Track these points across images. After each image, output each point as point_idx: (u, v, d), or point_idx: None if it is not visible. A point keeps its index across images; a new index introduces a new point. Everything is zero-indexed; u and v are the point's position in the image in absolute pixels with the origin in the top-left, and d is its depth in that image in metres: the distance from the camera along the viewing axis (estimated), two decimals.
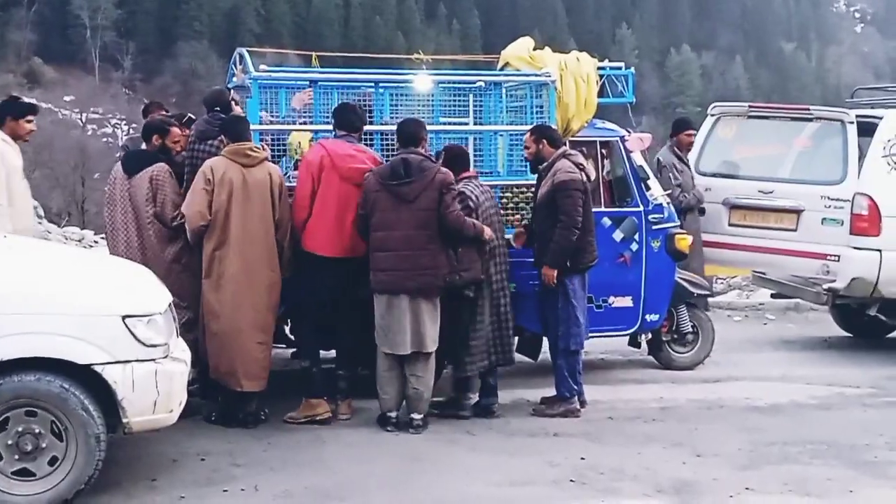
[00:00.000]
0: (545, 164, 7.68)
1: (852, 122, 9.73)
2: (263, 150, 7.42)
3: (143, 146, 7.89)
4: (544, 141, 7.70)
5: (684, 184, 9.78)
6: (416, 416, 7.26)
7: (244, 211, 7.15)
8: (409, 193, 7.12)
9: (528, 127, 8.28)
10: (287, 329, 8.86)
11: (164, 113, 8.71)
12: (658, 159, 9.84)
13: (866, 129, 9.85)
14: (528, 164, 8.14)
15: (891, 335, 11.17)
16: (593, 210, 7.85)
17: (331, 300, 7.42)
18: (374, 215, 7.13)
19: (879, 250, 9.56)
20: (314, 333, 7.58)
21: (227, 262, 7.12)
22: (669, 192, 9.20)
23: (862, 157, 9.74)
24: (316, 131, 7.85)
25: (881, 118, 10.01)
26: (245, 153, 7.21)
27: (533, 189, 8.14)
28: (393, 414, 7.29)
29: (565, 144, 7.86)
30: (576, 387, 7.74)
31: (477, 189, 7.48)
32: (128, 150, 8.31)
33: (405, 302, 7.13)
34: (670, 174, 9.72)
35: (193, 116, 8.54)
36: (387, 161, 7.50)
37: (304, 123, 8.01)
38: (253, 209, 7.16)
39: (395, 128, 7.63)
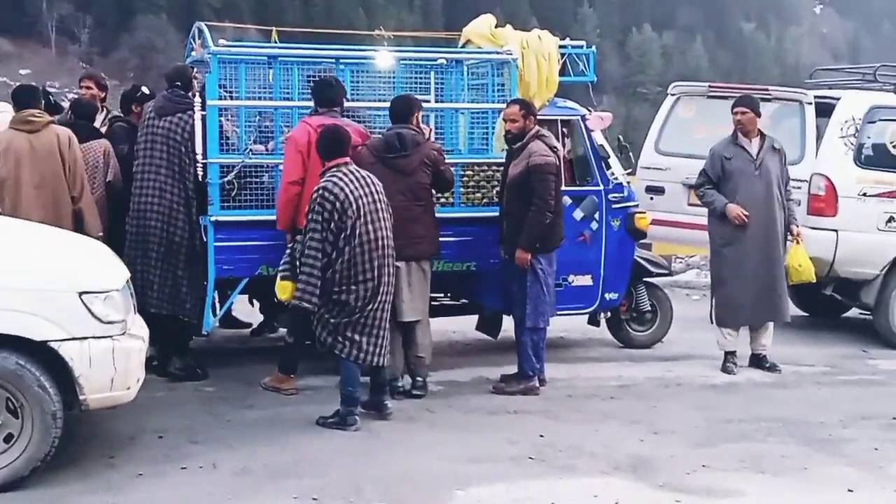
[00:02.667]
0: (519, 143, 7.67)
1: (810, 103, 9.80)
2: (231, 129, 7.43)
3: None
4: (532, 117, 7.70)
5: None
6: (419, 378, 7.55)
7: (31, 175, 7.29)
8: (405, 166, 7.32)
9: (490, 105, 8.30)
10: (256, 306, 8.90)
11: (93, 84, 8.60)
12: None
13: (824, 110, 9.92)
14: (488, 142, 8.15)
15: (846, 314, 11.30)
16: None
17: None
18: None
19: (836, 230, 9.65)
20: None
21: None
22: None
23: (819, 137, 9.82)
24: (276, 108, 7.84)
25: (839, 99, 10.10)
26: (26, 119, 7.34)
27: (495, 167, 8.15)
28: (399, 382, 7.49)
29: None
30: (538, 365, 7.78)
31: (347, 177, 6.78)
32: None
33: (403, 270, 7.29)
34: None
35: (147, 91, 8.49)
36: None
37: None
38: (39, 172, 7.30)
39: (353, 104, 7.79)
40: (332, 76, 7.80)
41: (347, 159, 6.86)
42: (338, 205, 6.60)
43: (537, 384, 7.78)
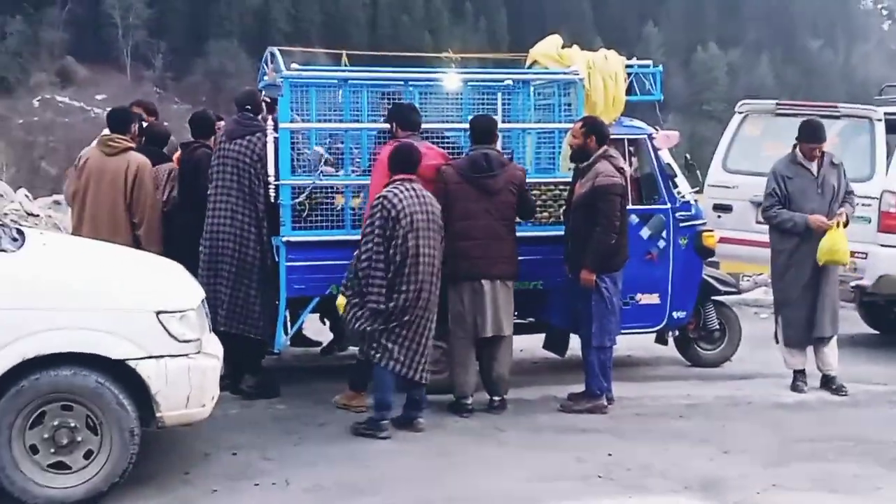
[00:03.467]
0: (586, 162, 7.71)
1: (880, 120, 9.71)
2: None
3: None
4: (593, 136, 7.72)
5: None
6: (497, 397, 7.66)
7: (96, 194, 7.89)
8: (492, 185, 7.48)
9: (557, 125, 8.35)
10: (326, 324, 8.99)
11: (142, 111, 9.00)
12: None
13: (894, 127, 9.82)
14: (555, 162, 8.19)
15: None
16: None
17: None
18: (456, 206, 7.38)
19: None
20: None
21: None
22: (697, 188, 9.18)
23: (890, 154, 9.71)
24: (346, 130, 7.99)
25: None
26: (107, 142, 7.97)
27: (562, 186, 8.18)
28: (469, 400, 7.57)
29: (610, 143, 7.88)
30: (605, 384, 7.78)
31: (407, 192, 7.05)
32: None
33: (487, 287, 7.46)
34: None
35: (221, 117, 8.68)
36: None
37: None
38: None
39: (425, 125, 7.89)
40: (409, 102, 7.90)
41: (412, 176, 7.09)
42: (393, 213, 6.86)
43: (605, 403, 7.77)
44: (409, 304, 6.92)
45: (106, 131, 8.24)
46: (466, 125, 7.88)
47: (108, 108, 9.24)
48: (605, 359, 7.76)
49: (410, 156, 7.17)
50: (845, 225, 8.27)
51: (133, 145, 8.09)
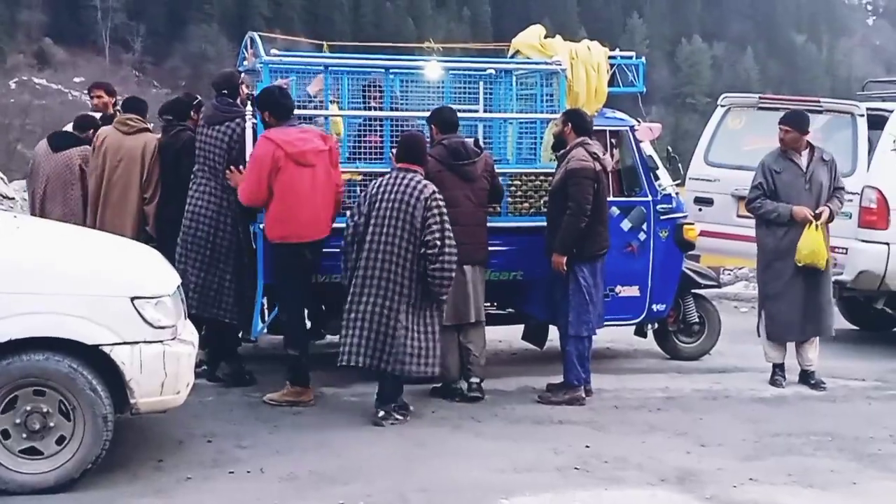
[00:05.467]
0: (563, 150, 7.72)
1: (862, 115, 9.72)
2: None
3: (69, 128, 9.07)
4: (570, 125, 7.74)
5: None
6: (475, 379, 7.70)
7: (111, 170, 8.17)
8: (472, 172, 7.55)
9: (538, 115, 8.33)
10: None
11: (104, 94, 9.49)
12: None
13: (876, 122, 9.83)
14: (536, 152, 8.18)
15: None
16: None
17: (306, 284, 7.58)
18: (440, 194, 7.32)
19: (887, 244, 9.56)
20: (303, 322, 7.81)
21: None
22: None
23: (872, 150, 9.72)
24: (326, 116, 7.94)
25: (892, 111, 10.00)
26: (125, 122, 8.32)
27: (542, 177, 8.17)
28: (458, 385, 7.65)
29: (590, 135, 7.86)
30: (584, 375, 7.77)
31: (393, 179, 7.18)
32: (54, 131, 9.32)
33: (470, 273, 7.53)
34: None
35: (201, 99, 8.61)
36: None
37: (317, 108, 8.05)
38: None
39: (404, 114, 7.98)
40: (278, 86, 7.69)
41: (413, 166, 7.19)
42: (363, 197, 7.12)
43: (583, 394, 7.76)
44: (356, 285, 6.97)
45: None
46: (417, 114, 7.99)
47: (86, 91, 9.32)
48: (582, 349, 7.75)
49: (416, 145, 7.25)
50: (829, 220, 8.27)
51: (149, 127, 8.43)
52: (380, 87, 8.14)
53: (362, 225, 7.04)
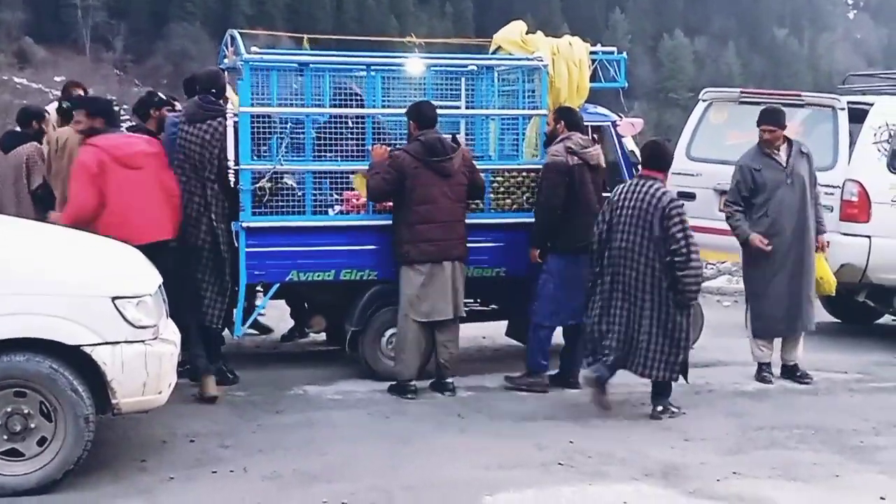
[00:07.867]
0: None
1: (843, 109, 9.73)
2: None
3: (17, 128, 8.94)
4: (562, 122, 7.80)
5: None
6: (450, 379, 7.74)
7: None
8: (449, 168, 7.54)
9: (520, 111, 8.34)
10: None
11: (81, 92, 9.35)
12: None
13: (857, 116, 9.85)
14: (519, 148, 8.20)
15: (879, 321, 11.21)
16: None
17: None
18: (416, 190, 7.41)
19: (869, 237, 9.58)
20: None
21: None
22: None
23: (852, 143, 9.74)
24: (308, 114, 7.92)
25: (872, 105, 10.01)
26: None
27: (524, 174, 8.19)
28: (414, 382, 7.61)
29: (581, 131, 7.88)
30: (543, 362, 7.85)
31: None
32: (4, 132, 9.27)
33: (448, 270, 7.53)
34: None
35: (163, 96, 8.52)
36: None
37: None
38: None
39: (385, 110, 8.07)
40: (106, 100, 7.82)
41: (652, 172, 7.26)
42: (611, 201, 7.35)
43: (545, 381, 7.85)
44: (604, 294, 7.29)
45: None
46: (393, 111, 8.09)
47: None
48: (542, 337, 7.84)
49: (662, 153, 7.35)
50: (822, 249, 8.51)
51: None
52: (359, 95, 8.16)
53: (605, 231, 7.20)
